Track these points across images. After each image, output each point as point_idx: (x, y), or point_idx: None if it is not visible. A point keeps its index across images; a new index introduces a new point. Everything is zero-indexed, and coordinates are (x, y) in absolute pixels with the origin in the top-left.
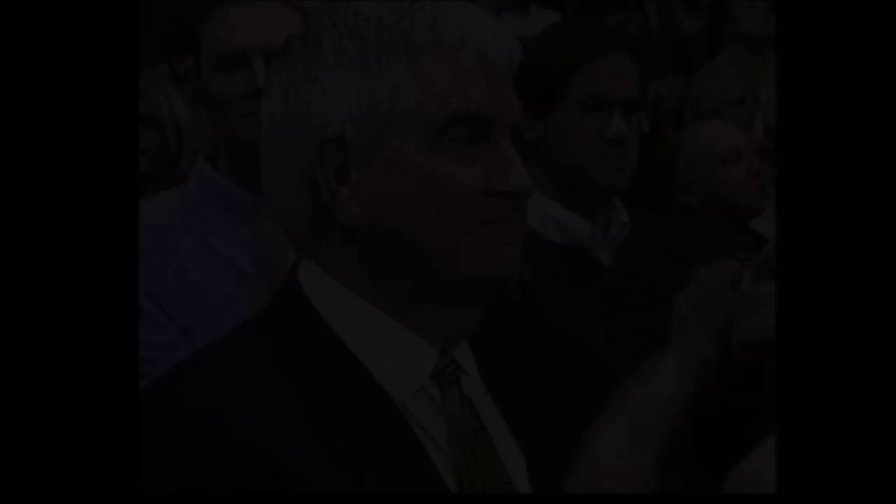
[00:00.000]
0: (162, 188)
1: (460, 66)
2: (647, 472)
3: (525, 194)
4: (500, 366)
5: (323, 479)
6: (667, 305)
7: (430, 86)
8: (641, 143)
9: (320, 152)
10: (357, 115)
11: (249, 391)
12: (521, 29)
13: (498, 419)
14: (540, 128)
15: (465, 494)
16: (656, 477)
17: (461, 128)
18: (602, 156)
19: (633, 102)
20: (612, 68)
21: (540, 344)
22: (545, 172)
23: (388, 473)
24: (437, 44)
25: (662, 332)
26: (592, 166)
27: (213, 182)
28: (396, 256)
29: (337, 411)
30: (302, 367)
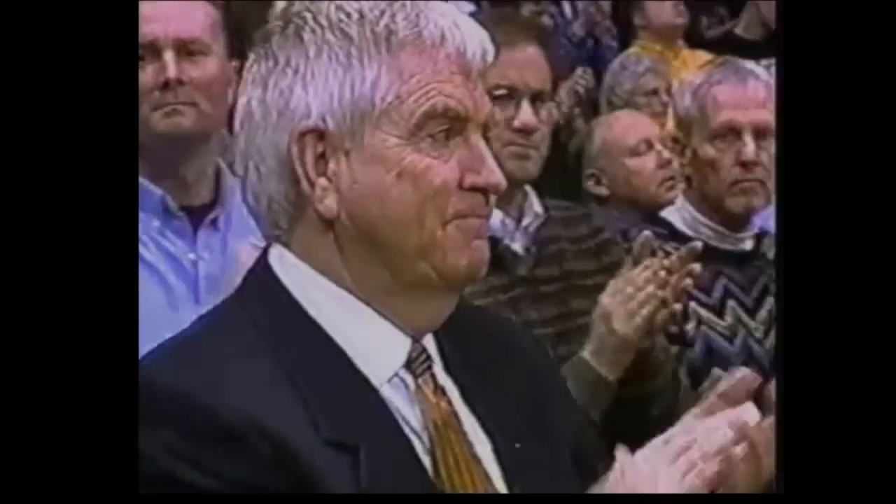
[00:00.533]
0: None
1: (439, 63)
2: None
3: (497, 190)
4: (457, 354)
5: (313, 455)
6: (580, 295)
7: (410, 81)
8: (555, 133)
9: (300, 142)
10: (337, 107)
11: (236, 367)
12: None
13: (463, 404)
14: None
15: (465, 494)
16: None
17: (438, 123)
18: (510, 145)
19: (542, 93)
20: (522, 59)
21: (485, 333)
22: None
23: (371, 452)
24: (418, 40)
25: (576, 321)
26: (500, 155)
27: None
28: (372, 247)
29: (321, 391)
30: (284, 350)
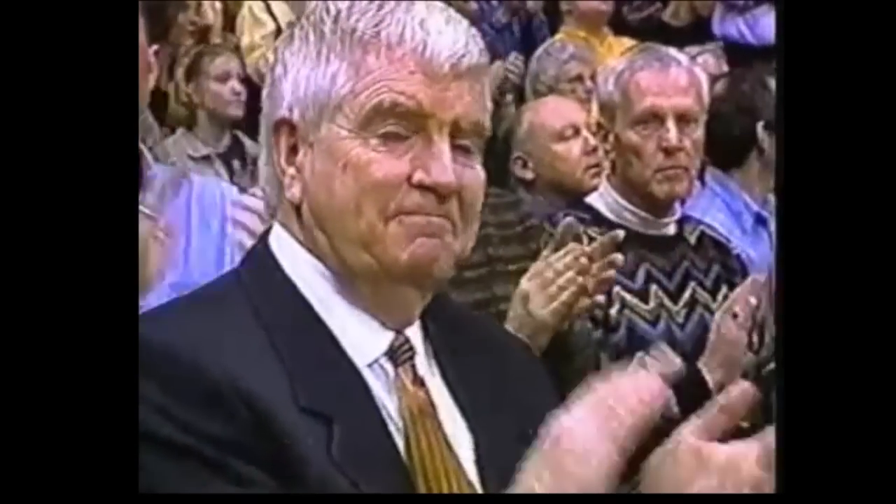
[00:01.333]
0: None
1: (396, 62)
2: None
3: (445, 189)
4: (446, 345)
5: (289, 420)
6: (504, 280)
7: (364, 77)
8: None
9: (276, 132)
10: (302, 99)
11: (224, 333)
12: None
13: (446, 397)
14: None
15: (465, 494)
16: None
17: (387, 119)
18: None
19: None
20: None
21: (473, 328)
22: None
23: (345, 425)
24: (376, 39)
25: (498, 306)
26: None
27: None
28: (326, 235)
29: (305, 364)
30: (273, 323)
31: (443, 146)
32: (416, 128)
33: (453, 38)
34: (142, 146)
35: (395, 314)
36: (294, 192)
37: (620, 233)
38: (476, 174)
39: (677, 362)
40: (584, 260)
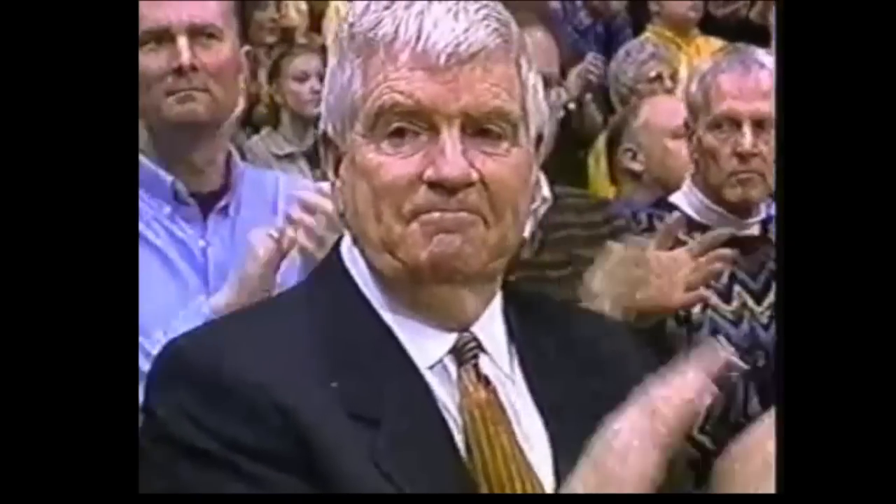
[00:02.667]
0: None
1: (396, 60)
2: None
3: (451, 184)
4: (531, 341)
5: (342, 434)
6: None
7: (371, 80)
8: (565, 119)
9: (322, 146)
10: (331, 110)
11: (275, 346)
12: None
13: (524, 395)
14: None
15: (465, 494)
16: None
17: (390, 120)
18: None
19: (544, 77)
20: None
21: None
22: None
23: (395, 428)
24: (375, 38)
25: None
26: None
27: None
28: (361, 243)
29: (358, 368)
30: (332, 328)
31: (450, 140)
32: (426, 124)
33: (450, 27)
34: (231, 148)
35: (450, 314)
36: (339, 203)
37: (726, 231)
38: (503, 161)
39: (722, 357)
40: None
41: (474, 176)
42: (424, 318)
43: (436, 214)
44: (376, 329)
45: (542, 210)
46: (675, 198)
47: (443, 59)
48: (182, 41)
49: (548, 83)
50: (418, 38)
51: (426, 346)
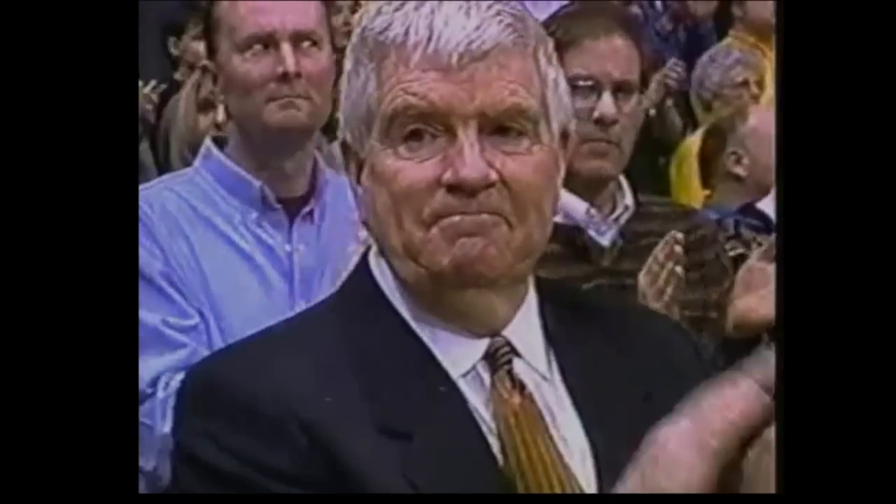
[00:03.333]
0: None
1: (408, 62)
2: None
3: (470, 185)
4: (570, 342)
5: (373, 450)
6: None
7: (385, 83)
8: (647, 127)
9: (343, 155)
10: (349, 117)
11: (309, 369)
12: (539, 11)
13: (563, 398)
14: None
15: (466, 494)
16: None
17: (405, 123)
18: (588, 141)
19: (625, 84)
20: (605, 49)
21: (620, 324)
22: None
23: (429, 440)
24: (387, 40)
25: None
26: (579, 153)
27: (219, 164)
28: (385, 252)
29: (388, 382)
30: (361, 341)
31: (467, 141)
32: (442, 126)
33: (461, 25)
34: (317, 154)
35: (479, 319)
36: (361, 212)
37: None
38: (525, 160)
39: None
40: (678, 249)
41: (493, 176)
42: (454, 325)
43: (456, 218)
44: (406, 340)
45: (625, 218)
46: (763, 204)
47: (455, 58)
48: (286, 48)
49: (625, 91)
50: (429, 38)
51: (458, 355)
